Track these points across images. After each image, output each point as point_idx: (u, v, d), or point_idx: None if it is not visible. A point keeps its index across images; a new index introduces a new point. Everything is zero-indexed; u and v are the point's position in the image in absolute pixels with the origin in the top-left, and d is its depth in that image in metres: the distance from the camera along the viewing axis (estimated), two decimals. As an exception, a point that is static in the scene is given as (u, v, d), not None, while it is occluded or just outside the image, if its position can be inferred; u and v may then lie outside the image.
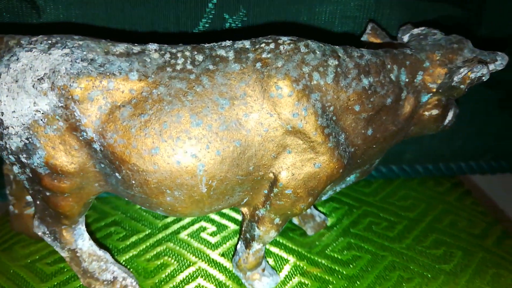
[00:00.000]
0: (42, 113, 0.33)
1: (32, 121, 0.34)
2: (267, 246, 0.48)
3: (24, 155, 0.35)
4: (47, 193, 0.36)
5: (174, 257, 0.46)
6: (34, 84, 0.33)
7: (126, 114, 0.34)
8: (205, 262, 0.46)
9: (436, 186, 0.60)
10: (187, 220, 0.52)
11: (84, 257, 0.41)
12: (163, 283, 0.43)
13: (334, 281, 0.43)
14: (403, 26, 0.44)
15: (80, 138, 0.34)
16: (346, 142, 0.37)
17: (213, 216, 0.53)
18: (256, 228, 0.40)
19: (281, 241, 0.49)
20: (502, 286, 0.43)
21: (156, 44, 0.36)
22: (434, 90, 0.39)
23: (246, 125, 0.35)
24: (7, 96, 0.33)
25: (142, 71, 0.34)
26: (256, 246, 0.41)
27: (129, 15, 0.45)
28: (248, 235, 0.41)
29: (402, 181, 0.60)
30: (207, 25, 0.46)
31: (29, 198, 0.47)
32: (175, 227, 0.51)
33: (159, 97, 0.34)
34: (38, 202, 0.38)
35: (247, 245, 0.41)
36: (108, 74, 0.34)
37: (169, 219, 0.52)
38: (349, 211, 0.54)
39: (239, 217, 0.53)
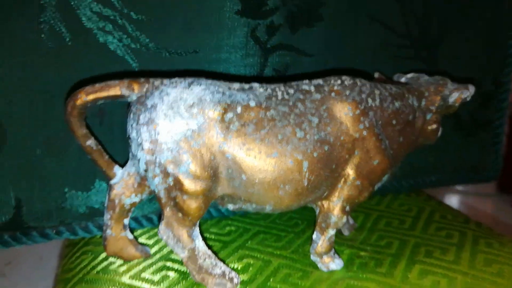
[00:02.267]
0: (192, 131, 0.45)
1: (183, 137, 0.44)
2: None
3: (172, 166, 0.45)
4: (184, 197, 0.46)
5: (256, 258, 0.56)
6: (186, 109, 0.45)
7: (250, 130, 0.46)
8: (284, 259, 0.56)
9: (417, 196, 0.78)
10: (251, 232, 0.62)
11: (200, 255, 0.49)
12: (257, 275, 0.53)
13: (383, 258, 0.57)
14: (395, 76, 0.64)
15: (217, 150, 0.46)
16: (388, 146, 0.53)
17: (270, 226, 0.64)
18: (332, 216, 0.53)
19: (329, 239, 0.61)
20: (494, 247, 0.60)
21: (257, 83, 0.51)
22: (434, 110, 0.57)
23: (330, 135, 0.49)
24: (163, 119, 0.44)
25: (257, 100, 0.48)
26: (330, 232, 0.53)
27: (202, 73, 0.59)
28: (323, 224, 0.53)
29: (393, 196, 0.78)
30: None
31: (126, 221, 0.54)
32: (243, 238, 0.61)
33: (272, 117, 0.48)
34: (168, 209, 0.47)
35: (323, 232, 0.54)
36: (236, 101, 0.47)
37: (234, 235, 0.62)
38: (367, 217, 0.69)
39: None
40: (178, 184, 0.46)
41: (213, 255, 0.51)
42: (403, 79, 0.62)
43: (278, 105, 0.48)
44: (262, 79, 0.61)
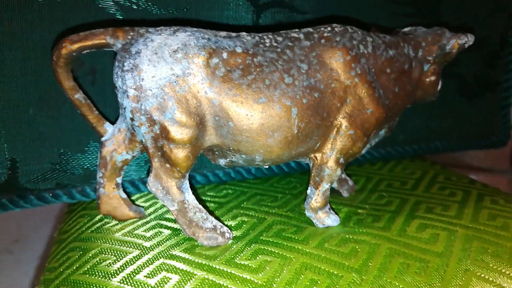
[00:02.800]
0: (176, 76, 0.44)
1: (168, 82, 0.44)
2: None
3: (157, 113, 0.44)
4: (171, 146, 0.45)
5: (253, 217, 0.55)
6: (170, 54, 0.44)
7: (237, 75, 0.45)
8: (283, 217, 0.55)
9: (422, 162, 0.76)
10: (244, 195, 0.61)
11: (190, 208, 0.48)
12: (251, 230, 0.52)
13: (381, 214, 0.55)
14: (393, 32, 0.62)
15: (203, 95, 0.45)
16: (383, 96, 0.52)
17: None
18: (326, 168, 0.51)
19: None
20: (499, 203, 0.58)
21: (245, 32, 0.50)
22: (432, 61, 0.55)
23: (321, 82, 0.48)
24: (147, 65, 0.44)
25: (244, 47, 0.47)
26: (325, 185, 0.52)
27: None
28: (317, 178, 0.52)
29: (397, 162, 0.76)
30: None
31: (118, 180, 0.54)
32: (238, 201, 0.60)
33: (259, 63, 0.46)
34: (156, 160, 0.47)
35: (317, 187, 0.52)
36: (222, 47, 0.46)
37: (231, 203, 0.61)
38: (369, 180, 0.67)
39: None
40: (164, 132, 0.45)
41: (204, 210, 0.50)
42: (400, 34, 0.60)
43: (266, 52, 0.47)
44: (253, 29, 0.60)
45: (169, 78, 0.44)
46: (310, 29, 0.51)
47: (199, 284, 0.42)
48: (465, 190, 0.62)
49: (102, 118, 0.52)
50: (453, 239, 0.49)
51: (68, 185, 0.59)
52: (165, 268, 0.44)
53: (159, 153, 0.46)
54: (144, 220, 0.55)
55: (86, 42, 0.46)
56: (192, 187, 0.52)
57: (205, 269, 0.44)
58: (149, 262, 0.45)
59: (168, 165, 0.47)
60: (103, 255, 0.47)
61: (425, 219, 0.53)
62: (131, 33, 0.46)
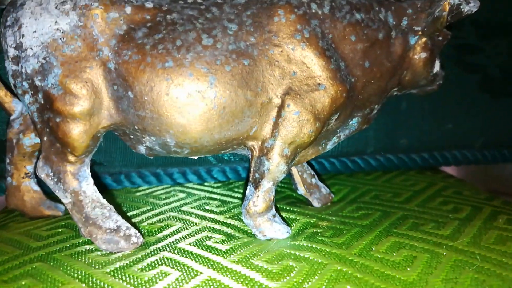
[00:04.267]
0: (62, 32, 0.35)
1: (51, 39, 0.35)
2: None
3: (39, 77, 0.36)
4: (58, 119, 0.36)
5: (178, 220, 0.44)
6: (57, 5, 0.36)
7: (141, 34, 0.36)
8: (212, 222, 0.44)
9: (434, 174, 0.61)
10: (190, 199, 0.51)
11: (87, 202, 0.39)
12: (167, 237, 0.40)
13: (348, 228, 0.42)
14: None
15: (96, 57, 0.36)
16: (346, 70, 0.39)
17: (216, 195, 0.52)
18: (265, 161, 0.39)
19: (289, 208, 0.48)
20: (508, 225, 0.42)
21: (169, -13, 0.40)
22: (420, 32, 0.43)
23: (254, 47, 0.37)
24: (29, 18, 0.36)
25: (156, 2, 0.38)
26: (266, 184, 0.40)
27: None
28: (257, 174, 0.40)
29: (400, 172, 0.61)
30: None
31: (29, 168, 0.46)
32: (178, 203, 0.49)
33: (173, 21, 0.37)
34: (45, 138, 0.38)
35: (257, 186, 0.40)
36: (126, 0, 0.37)
37: (171, 199, 0.50)
38: (354, 189, 0.54)
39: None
40: (48, 101, 0.36)
41: (108, 206, 0.40)
42: (388, 4, 0.48)
43: (185, 9, 0.38)
44: None
45: (52, 34, 0.35)
46: (251, -16, 0.41)
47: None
48: (475, 206, 0.47)
49: (11, 94, 0.45)
50: (433, 265, 0.34)
51: (-5, 176, 0.52)
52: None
53: (47, 129, 0.38)
54: (47, 221, 0.46)
55: (-29, -4, 0.39)
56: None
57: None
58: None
59: (58, 145, 0.38)
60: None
61: (403, 237, 0.39)
62: (24, -15, 0.38)
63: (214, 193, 0.53)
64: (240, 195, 0.52)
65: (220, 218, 0.45)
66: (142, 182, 0.55)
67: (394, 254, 0.36)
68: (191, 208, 0.48)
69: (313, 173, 0.50)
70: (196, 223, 0.43)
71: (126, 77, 0.35)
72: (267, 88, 0.37)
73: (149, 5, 0.37)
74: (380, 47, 0.41)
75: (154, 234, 0.41)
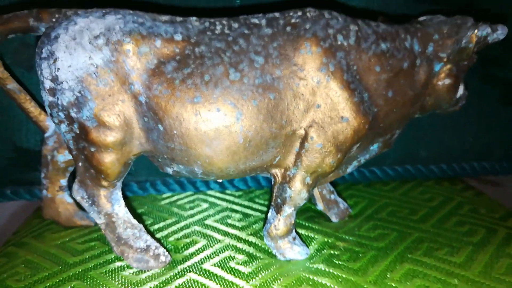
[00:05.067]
0: (96, 67, 0.37)
1: (86, 74, 0.37)
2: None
3: (75, 109, 0.37)
4: (92, 149, 0.38)
5: (201, 236, 0.47)
6: (90, 40, 0.37)
7: (170, 68, 0.37)
8: (234, 239, 0.46)
9: (452, 185, 0.61)
10: (213, 210, 0.53)
11: (119, 223, 0.41)
12: (193, 255, 0.43)
13: (364, 251, 0.43)
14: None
15: (128, 91, 0.37)
16: (369, 101, 0.40)
17: (237, 207, 0.54)
18: (287, 189, 0.41)
19: (307, 224, 0.50)
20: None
21: (196, 17, 0.41)
22: (445, 59, 0.43)
23: (279, 80, 0.38)
24: (64, 52, 0.37)
25: (185, 34, 0.39)
26: (287, 210, 0.42)
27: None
28: (279, 200, 0.42)
29: (418, 182, 0.62)
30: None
31: (63, 182, 0.48)
32: (201, 215, 0.52)
33: (201, 54, 0.38)
34: (80, 164, 0.40)
35: (278, 210, 0.42)
36: (156, 34, 0.38)
37: (195, 210, 0.53)
38: (371, 203, 0.55)
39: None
40: (83, 132, 0.38)
41: (139, 226, 0.42)
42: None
43: (213, 40, 0.39)
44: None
45: (87, 69, 0.37)
46: (277, 14, 0.41)
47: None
48: (490, 228, 0.48)
49: (43, 111, 0.47)
50: (446, 296, 0.36)
51: (29, 182, 0.55)
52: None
53: (82, 156, 0.40)
54: (82, 232, 0.49)
55: (9, 25, 0.40)
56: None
57: None
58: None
59: (92, 171, 0.40)
60: (21, 267, 0.42)
61: (418, 263, 0.41)
62: (57, 15, 0.40)
63: (235, 203, 0.55)
64: (260, 207, 0.54)
65: (242, 235, 0.47)
66: (167, 189, 0.58)
67: (408, 283, 0.38)
68: (214, 221, 0.50)
69: (332, 189, 0.52)
70: (220, 240, 0.46)
71: (156, 111, 0.37)
72: (291, 121, 0.39)
73: (178, 37, 0.38)
74: (404, 76, 0.42)
75: (181, 252, 0.44)
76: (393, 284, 0.38)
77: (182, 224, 0.50)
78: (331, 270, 0.40)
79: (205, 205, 0.55)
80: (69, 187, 0.49)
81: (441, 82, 0.44)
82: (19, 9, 0.41)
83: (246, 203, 0.55)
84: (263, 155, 0.39)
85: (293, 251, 0.42)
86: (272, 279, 0.39)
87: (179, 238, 0.46)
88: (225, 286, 0.38)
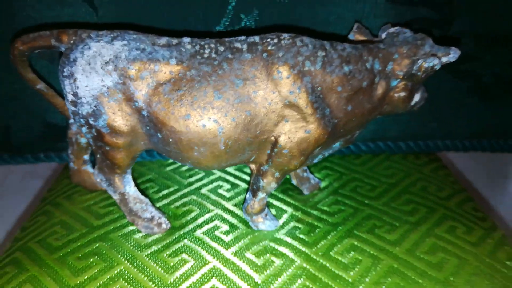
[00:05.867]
0: (107, 88, 0.46)
1: (99, 93, 0.46)
2: (272, 200, 0.60)
3: (92, 119, 0.48)
4: (107, 148, 0.49)
5: (196, 205, 0.59)
6: (102, 66, 0.46)
7: (167, 89, 0.46)
8: (221, 210, 0.58)
9: (416, 160, 0.71)
10: (207, 179, 0.65)
11: (130, 199, 0.54)
12: (188, 223, 0.56)
13: (321, 226, 0.55)
14: (384, 26, 0.55)
15: (133, 106, 0.47)
16: (330, 115, 0.49)
17: (228, 176, 0.65)
18: (260, 180, 0.52)
19: (282, 196, 0.61)
20: (455, 234, 0.55)
21: (189, 38, 0.49)
22: (401, 76, 0.50)
23: (254, 100, 0.47)
24: (81, 74, 0.46)
25: (179, 58, 0.47)
26: (260, 195, 0.53)
27: (166, 16, 0.57)
28: (254, 186, 0.53)
29: (386, 156, 0.72)
30: (226, 23, 0.59)
31: (86, 157, 0.60)
32: (198, 184, 0.63)
33: (191, 77, 0.46)
34: (98, 156, 0.51)
35: (254, 194, 0.54)
36: (154, 60, 0.46)
37: (193, 178, 0.65)
38: (340, 177, 0.66)
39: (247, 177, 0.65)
40: (100, 136, 0.49)
41: (145, 201, 0.55)
42: (383, 35, 0.54)
43: (201, 65, 0.47)
44: (209, 35, 0.58)
45: (100, 89, 0.46)
46: (257, 39, 0.48)
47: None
48: (431, 208, 0.59)
49: (67, 103, 0.57)
50: (372, 269, 0.49)
51: (58, 149, 0.67)
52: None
53: (100, 151, 0.51)
54: (102, 196, 0.61)
55: (35, 44, 0.49)
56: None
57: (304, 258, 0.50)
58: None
59: (108, 162, 0.51)
60: (58, 227, 0.55)
61: (359, 239, 0.53)
62: (73, 37, 0.48)
63: (227, 173, 0.66)
64: (247, 177, 0.65)
65: (229, 205, 0.59)
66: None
67: (347, 256, 0.50)
68: (208, 191, 0.62)
69: (305, 168, 0.62)
70: (210, 210, 0.58)
71: (155, 123, 0.47)
72: (264, 131, 0.48)
73: (173, 62, 0.46)
74: (363, 93, 0.50)
75: (179, 219, 0.56)
76: (336, 257, 0.50)
77: (181, 192, 0.62)
78: (291, 242, 0.53)
79: (201, 174, 0.66)
80: (91, 161, 0.61)
81: (397, 95, 0.52)
82: (42, 29, 0.49)
83: (236, 173, 0.67)
84: (241, 156, 0.50)
85: (264, 224, 0.55)
86: (245, 248, 0.52)
87: (178, 206, 0.59)
88: (210, 252, 0.51)
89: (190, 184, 0.64)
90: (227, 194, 0.62)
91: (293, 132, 0.48)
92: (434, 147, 0.72)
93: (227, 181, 0.65)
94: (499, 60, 0.63)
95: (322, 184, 0.64)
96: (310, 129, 0.48)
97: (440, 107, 0.68)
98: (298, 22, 0.59)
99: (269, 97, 0.47)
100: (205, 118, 0.46)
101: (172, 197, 0.61)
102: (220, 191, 0.62)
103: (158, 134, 0.48)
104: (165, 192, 0.62)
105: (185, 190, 0.62)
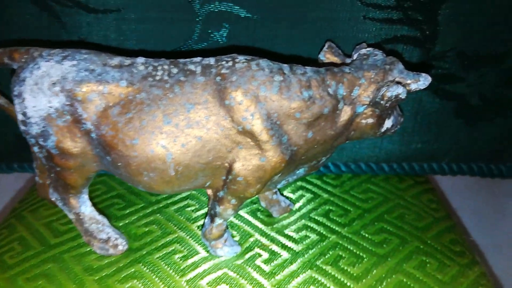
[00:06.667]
0: (55, 109, 0.45)
1: (47, 114, 0.45)
2: (237, 222, 0.58)
3: (41, 139, 0.46)
4: (58, 169, 0.48)
5: (159, 225, 0.57)
6: (49, 87, 0.44)
7: (115, 112, 0.44)
8: (184, 232, 0.56)
9: (399, 183, 0.68)
10: (176, 197, 0.63)
11: (86, 219, 0.52)
12: (146, 245, 0.54)
13: (283, 255, 0.53)
14: (358, 45, 0.52)
15: (82, 128, 0.45)
16: (288, 142, 0.46)
17: (199, 194, 0.63)
18: (217, 206, 0.50)
19: (249, 219, 0.59)
20: (426, 271, 0.51)
21: (143, 58, 0.47)
22: (367, 103, 0.47)
23: (206, 125, 0.44)
24: (29, 95, 0.45)
25: (129, 80, 0.45)
26: (218, 221, 0.51)
27: (129, 33, 0.55)
28: (212, 212, 0.51)
29: (368, 177, 0.68)
30: (196, 38, 0.56)
31: (50, 171, 0.59)
32: (165, 202, 0.62)
33: (141, 100, 0.44)
34: (52, 175, 0.50)
35: (212, 220, 0.51)
36: (103, 81, 0.44)
37: (161, 196, 0.63)
38: (314, 198, 0.63)
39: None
40: (50, 157, 0.47)
41: (102, 221, 0.53)
42: (355, 55, 0.51)
43: (152, 87, 0.45)
44: (170, 55, 0.56)
45: (47, 110, 0.45)
46: (212, 61, 0.46)
47: None
48: (404, 239, 0.56)
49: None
50: None
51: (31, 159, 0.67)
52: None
53: (53, 171, 0.49)
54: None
55: (-10, 61, 0.48)
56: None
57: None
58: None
59: (61, 182, 0.50)
60: (16, 243, 0.55)
61: (320, 272, 0.50)
62: (25, 56, 0.47)
63: (198, 190, 0.64)
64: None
65: (193, 227, 0.57)
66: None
67: (310, 286, 0.48)
68: (174, 210, 0.60)
69: (275, 190, 0.60)
70: (172, 231, 0.56)
71: (104, 146, 0.45)
72: (217, 157, 0.46)
73: (123, 84, 0.45)
74: (325, 119, 0.47)
75: (138, 240, 0.55)
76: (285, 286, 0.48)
77: (147, 210, 0.60)
78: (249, 270, 0.50)
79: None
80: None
81: (364, 121, 0.49)
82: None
83: (202, 195, 0.65)
84: (195, 181, 0.48)
85: (223, 250, 0.52)
86: (201, 275, 0.50)
87: (140, 225, 0.57)
88: (162, 279, 0.49)
89: (158, 201, 0.62)
90: (194, 215, 0.60)
91: (247, 160, 0.46)
92: (419, 169, 0.68)
93: (197, 199, 0.63)
94: (485, 81, 0.59)
95: (294, 206, 0.62)
96: (266, 156, 0.46)
97: (425, 128, 0.64)
98: (270, 40, 0.57)
99: (222, 123, 0.44)
100: (154, 143, 0.44)
101: (137, 216, 0.59)
102: (187, 210, 0.61)
103: (107, 157, 0.46)
104: (130, 209, 0.61)
105: (151, 208, 0.61)
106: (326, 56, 0.53)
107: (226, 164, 0.47)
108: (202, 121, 0.44)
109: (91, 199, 0.53)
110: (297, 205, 0.62)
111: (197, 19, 0.55)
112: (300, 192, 0.65)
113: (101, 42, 0.56)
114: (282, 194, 0.63)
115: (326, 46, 0.53)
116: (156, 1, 0.54)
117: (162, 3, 0.54)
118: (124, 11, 0.54)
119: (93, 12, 0.54)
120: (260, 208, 0.61)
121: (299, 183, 0.66)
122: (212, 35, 0.56)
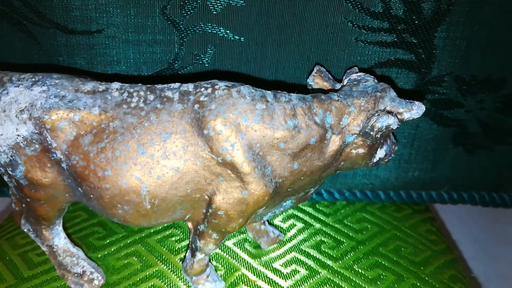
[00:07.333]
0: (23, 137, 0.42)
1: (14, 143, 0.42)
2: (223, 254, 0.55)
3: (10, 169, 0.44)
4: (28, 200, 0.45)
5: (139, 257, 0.54)
6: (17, 114, 0.42)
7: (87, 141, 0.42)
8: (165, 265, 0.53)
9: (396, 212, 0.64)
10: (159, 226, 0.60)
11: (59, 252, 0.49)
12: (124, 279, 0.51)
13: (268, 292, 0.49)
14: (349, 70, 0.49)
15: (52, 158, 0.43)
16: (272, 174, 0.43)
17: (183, 223, 0.60)
18: (197, 240, 0.47)
19: (235, 250, 0.56)
20: (422, 312, 0.48)
21: (118, 84, 0.44)
22: (357, 132, 0.44)
23: (184, 156, 0.42)
24: (-3, 122, 0.42)
25: (103, 107, 0.42)
26: (199, 255, 0.48)
27: (110, 56, 0.53)
28: (193, 245, 0.48)
29: (363, 205, 0.65)
30: (179, 61, 0.54)
31: (27, 198, 0.56)
32: (148, 231, 0.59)
33: (114, 129, 0.42)
34: (23, 206, 0.47)
35: (192, 254, 0.48)
36: (74, 108, 0.42)
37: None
38: (305, 228, 0.60)
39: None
40: (19, 187, 0.45)
41: (77, 253, 0.50)
42: (345, 80, 0.48)
43: (127, 115, 0.42)
44: (154, 79, 0.54)
45: (15, 139, 0.42)
46: (190, 87, 0.43)
47: None
48: (400, 276, 0.52)
49: None
50: None
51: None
52: None
53: (23, 201, 0.47)
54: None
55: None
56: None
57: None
58: None
59: (32, 213, 0.47)
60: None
61: (308, 313, 0.47)
62: (-5, 81, 0.44)
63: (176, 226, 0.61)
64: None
65: (175, 259, 0.54)
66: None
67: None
68: (156, 241, 0.57)
69: (263, 221, 0.56)
70: (152, 264, 0.53)
71: (75, 177, 0.42)
72: (196, 190, 0.43)
73: (95, 111, 0.42)
74: (312, 150, 0.44)
75: (116, 273, 0.52)
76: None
77: (128, 240, 0.57)
78: (231, 311, 0.47)
79: (155, 219, 0.61)
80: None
81: (354, 151, 0.45)
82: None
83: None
84: (173, 215, 0.45)
85: (205, 287, 0.49)
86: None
87: (119, 257, 0.54)
88: (137, 318, 0.46)
89: (140, 230, 0.59)
90: (177, 245, 0.57)
91: (228, 192, 0.43)
92: (418, 198, 0.65)
93: (182, 228, 0.60)
94: (483, 107, 0.56)
95: (284, 237, 0.58)
96: (248, 189, 0.42)
97: (422, 155, 0.61)
98: (257, 63, 0.54)
99: (200, 154, 0.42)
100: (127, 175, 0.41)
101: (117, 246, 0.56)
102: (171, 240, 0.57)
103: (79, 188, 0.43)
104: (111, 239, 0.57)
105: (133, 238, 0.58)
106: (315, 80, 0.50)
107: (206, 197, 0.44)
108: (179, 152, 0.41)
109: (71, 226, 0.51)
110: (288, 235, 0.59)
111: (182, 41, 0.52)
112: (291, 221, 0.61)
113: (79, 65, 0.53)
114: (271, 224, 0.60)
115: (315, 70, 0.50)
116: (139, 22, 0.51)
117: (145, 24, 0.52)
118: (105, 32, 0.52)
119: (71, 34, 0.51)
120: (247, 238, 0.58)
121: (290, 211, 0.63)
122: (197, 57, 0.54)
